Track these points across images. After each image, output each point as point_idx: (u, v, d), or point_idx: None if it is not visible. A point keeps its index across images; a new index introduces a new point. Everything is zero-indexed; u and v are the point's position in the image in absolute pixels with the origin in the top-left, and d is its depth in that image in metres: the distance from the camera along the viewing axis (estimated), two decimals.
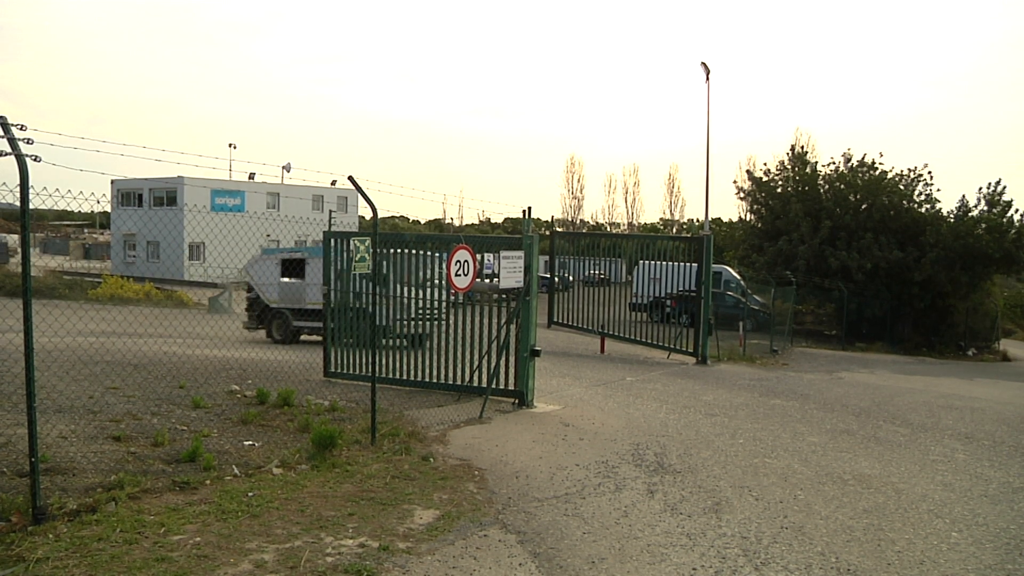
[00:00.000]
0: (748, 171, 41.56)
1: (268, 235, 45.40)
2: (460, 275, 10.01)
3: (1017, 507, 7.64)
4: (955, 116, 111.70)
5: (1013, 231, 28.36)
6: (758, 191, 33.47)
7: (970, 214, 29.63)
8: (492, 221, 74.68)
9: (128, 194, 48.70)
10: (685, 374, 16.93)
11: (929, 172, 30.69)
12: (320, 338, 18.91)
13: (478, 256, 10.63)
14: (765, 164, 34.55)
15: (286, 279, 20.82)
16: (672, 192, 73.69)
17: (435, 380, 12.00)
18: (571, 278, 26.60)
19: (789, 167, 32.94)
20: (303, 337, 20.90)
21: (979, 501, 7.76)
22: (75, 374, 10.37)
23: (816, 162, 33.25)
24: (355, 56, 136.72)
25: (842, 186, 31.30)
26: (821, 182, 32.02)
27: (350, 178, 8.46)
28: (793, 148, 34.23)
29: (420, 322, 17.24)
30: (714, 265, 21.52)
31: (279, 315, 20.72)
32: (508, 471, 7.90)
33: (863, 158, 31.69)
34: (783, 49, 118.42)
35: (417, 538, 5.77)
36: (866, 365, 22.26)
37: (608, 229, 70.03)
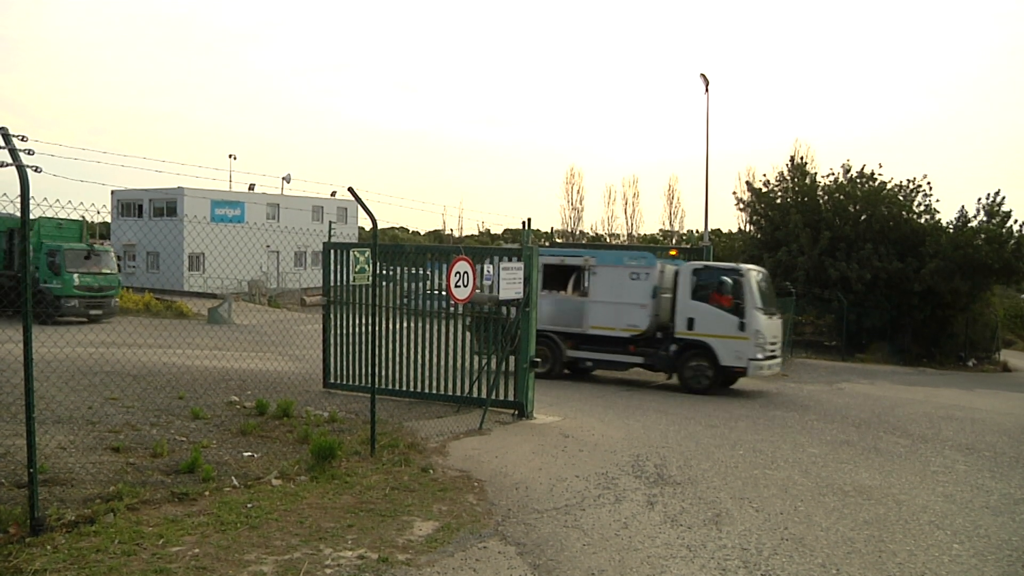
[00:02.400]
0: (747, 182, 41.66)
1: (268, 245, 45.47)
2: (460, 286, 10.02)
3: (1019, 519, 7.62)
4: (954, 126, 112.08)
5: (1012, 242, 28.38)
6: (757, 202, 33.52)
7: (969, 224, 29.65)
8: (492, 232, 74.71)
9: (128, 204, 48.73)
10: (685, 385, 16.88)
11: (928, 183, 30.78)
12: (613, 371, 16.48)
13: (478, 267, 10.64)
14: (764, 175, 34.63)
15: (551, 292, 16.56)
16: (671, 203, 73.73)
17: (434, 391, 11.99)
18: None
19: (788, 178, 33.00)
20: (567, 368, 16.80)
21: (980, 512, 7.74)
22: (74, 384, 10.36)
23: (815, 173, 33.30)
24: (354, 66, 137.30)
25: (841, 197, 31.36)
26: (820, 193, 32.08)
27: (350, 189, 8.48)
28: (792, 159, 34.32)
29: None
30: None
31: (540, 340, 15.26)
32: (508, 482, 7.88)
33: (862, 169, 31.76)
34: (782, 59, 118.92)
35: (416, 550, 5.75)
36: (866, 376, 22.22)
37: (608, 240, 70.09)
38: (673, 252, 16.99)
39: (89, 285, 24.61)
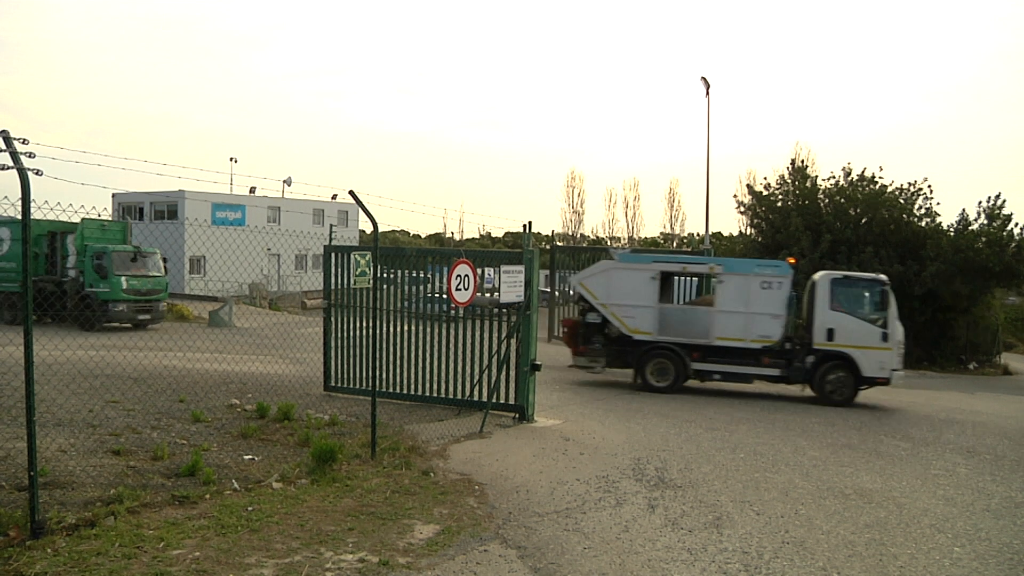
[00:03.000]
0: (748, 185, 41.60)
1: (269, 249, 45.51)
2: (460, 289, 10.02)
3: (1020, 522, 7.61)
4: (954, 128, 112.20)
5: (1013, 245, 28.40)
6: (758, 205, 33.53)
7: (970, 228, 29.67)
8: (492, 235, 74.74)
9: (129, 207, 48.69)
10: (686, 388, 16.88)
11: (929, 186, 30.78)
12: (742, 383, 15.88)
13: (478, 270, 10.65)
14: (765, 178, 34.63)
15: (671, 301, 16.18)
16: (672, 206, 73.78)
17: (435, 394, 11.98)
18: (572, 292, 26.56)
19: (789, 181, 33.01)
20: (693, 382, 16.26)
21: (981, 516, 7.73)
22: (75, 387, 10.36)
23: (816, 176, 33.31)
24: (354, 69, 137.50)
25: (842, 200, 31.36)
26: (821, 196, 32.08)
27: (351, 192, 8.49)
28: (793, 162, 34.32)
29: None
30: None
31: (662, 352, 15.65)
32: (508, 486, 7.87)
33: (863, 172, 31.76)
34: (783, 62, 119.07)
35: (417, 553, 5.75)
36: None
37: (609, 243, 70.10)
38: (791, 260, 16.65)
39: (137, 289, 23.55)
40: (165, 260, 24.69)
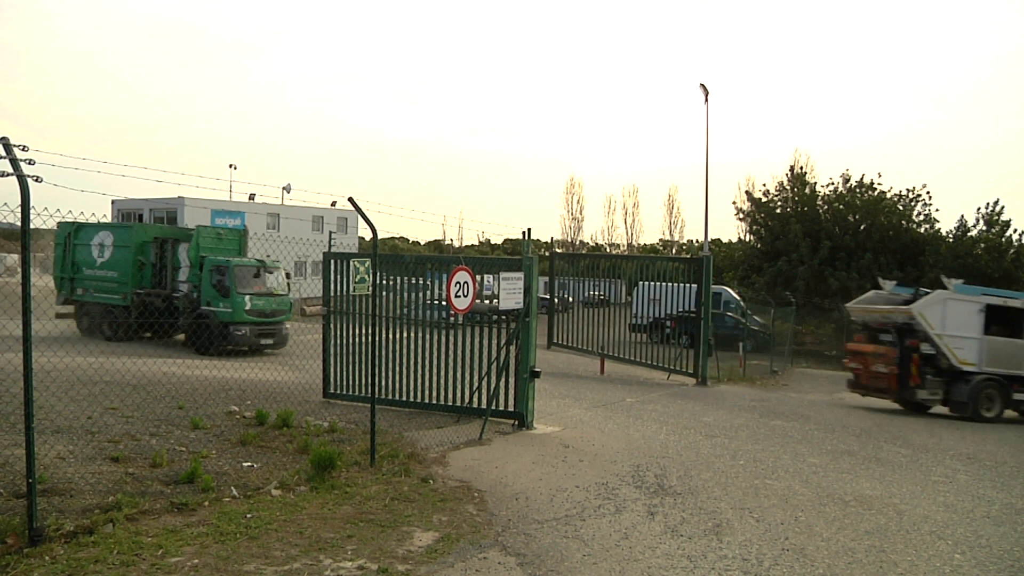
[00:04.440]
0: (747, 192, 41.71)
1: (268, 255, 45.55)
2: (460, 296, 10.01)
3: (1020, 528, 7.60)
4: (953, 135, 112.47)
5: (1012, 251, 28.48)
6: (757, 212, 33.63)
7: (969, 234, 29.77)
8: (492, 242, 74.82)
9: (128, 214, 48.67)
10: (685, 395, 16.89)
11: (928, 192, 30.92)
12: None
13: (478, 277, 10.65)
14: (764, 185, 34.78)
15: (995, 336, 16.33)
16: (671, 213, 73.95)
17: (434, 401, 11.96)
18: (571, 299, 26.57)
19: (788, 188, 33.13)
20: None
21: (982, 522, 7.72)
22: (74, 394, 10.34)
23: (815, 183, 33.45)
24: (355, 76, 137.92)
25: (841, 206, 31.46)
26: (820, 203, 32.19)
27: (350, 199, 8.49)
28: (792, 169, 34.46)
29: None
30: (713, 286, 21.57)
31: (992, 383, 16.06)
32: (508, 493, 7.86)
33: (862, 178, 31.87)
34: (782, 69, 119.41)
35: (416, 560, 5.73)
36: None
37: (608, 250, 70.16)
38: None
39: (261, 309, 20.44)
40: (288, 276, 21.63)
